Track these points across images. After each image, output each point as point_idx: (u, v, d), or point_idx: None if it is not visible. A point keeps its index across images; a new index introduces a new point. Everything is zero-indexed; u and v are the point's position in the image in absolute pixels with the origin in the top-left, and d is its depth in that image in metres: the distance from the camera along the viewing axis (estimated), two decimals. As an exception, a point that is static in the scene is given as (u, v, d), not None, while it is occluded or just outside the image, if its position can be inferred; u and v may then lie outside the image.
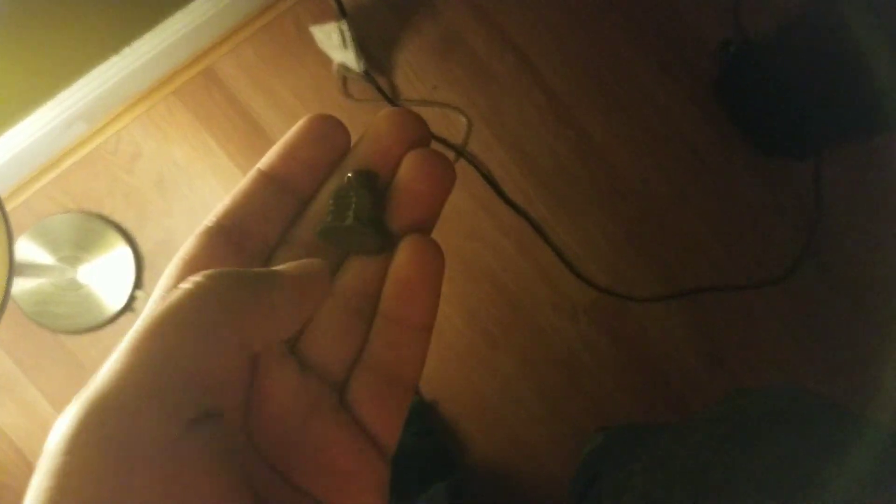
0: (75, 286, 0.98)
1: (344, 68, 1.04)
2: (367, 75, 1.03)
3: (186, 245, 0.19)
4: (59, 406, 0.99)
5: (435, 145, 1.06)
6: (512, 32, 1.15)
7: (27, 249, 0.96)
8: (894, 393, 1.07)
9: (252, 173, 0.21)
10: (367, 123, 0.22)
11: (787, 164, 1.20)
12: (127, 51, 0.92)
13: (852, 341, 1.15)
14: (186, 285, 0.16)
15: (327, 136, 0.21)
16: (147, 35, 0.92)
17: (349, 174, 0.21)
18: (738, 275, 1.16)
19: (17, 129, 0.89)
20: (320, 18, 1.08)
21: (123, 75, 0.93)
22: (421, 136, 0.21)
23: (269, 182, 0.21)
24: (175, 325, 0.15)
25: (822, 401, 0.45)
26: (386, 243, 0.21)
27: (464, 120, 1.11)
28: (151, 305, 0.18)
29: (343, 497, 0.18)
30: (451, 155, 1.10)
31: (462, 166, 1.10)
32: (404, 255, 0.20)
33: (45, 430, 0.98)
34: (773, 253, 1.17)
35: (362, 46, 1.01)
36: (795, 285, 1.16)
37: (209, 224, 0.20)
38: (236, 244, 0.20)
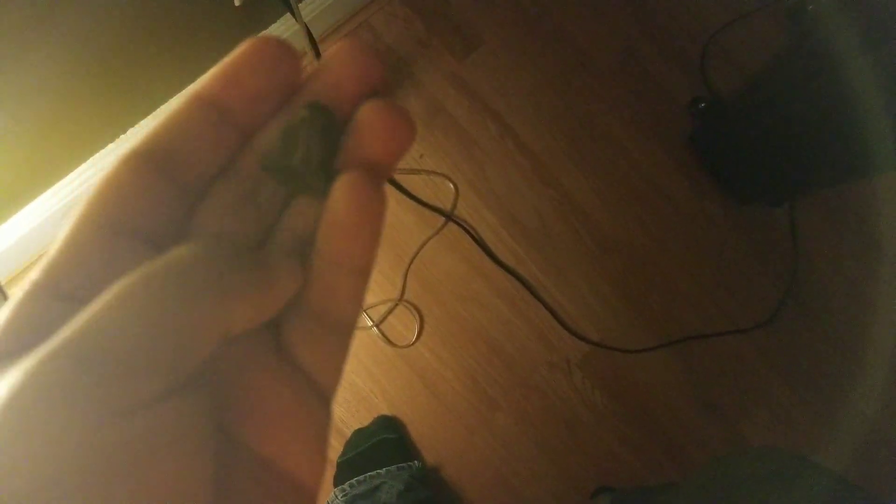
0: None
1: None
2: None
3: (109, 169, 0.17)
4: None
5: (424, 212, 1.10)
6: (490, 100, 1.21)
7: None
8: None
9: (187, 97, 0.18)
10: (323, 60, 0.20)
11: (764, 212, 1.25)
12: (123, 137, 0.95)
13: (837, 380, 1.19)
14: (180, 251, 0.15)
15: (276, 63, 0.19)
16: (143, 121, 0.96)
17: (303, 108, 0.19)
18: (723, 321, 1.19)
19: (15, 219, 0.92)
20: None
21: (121, 162, 0.95)
22: (378, 75, 0.20)
23: (207, 108, 0.18)
24: (161, 290, 0.14)
25: (798, 461, 0.48)
26: (317, 178, 0.19)
27: (451, 186, 1.15)
28: (65, 234, 0.16)
29: (279, 443, 0.17)
30: (440, 221, 1.13)
31: (453, 231, 1.14)
32: (341, 192, 0.18)
33: None
34: (756, 297, 1.21)
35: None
36: (779, 328, 1.19)
37: (135, 147, 0.17)
38: (167, 174, 0.18)
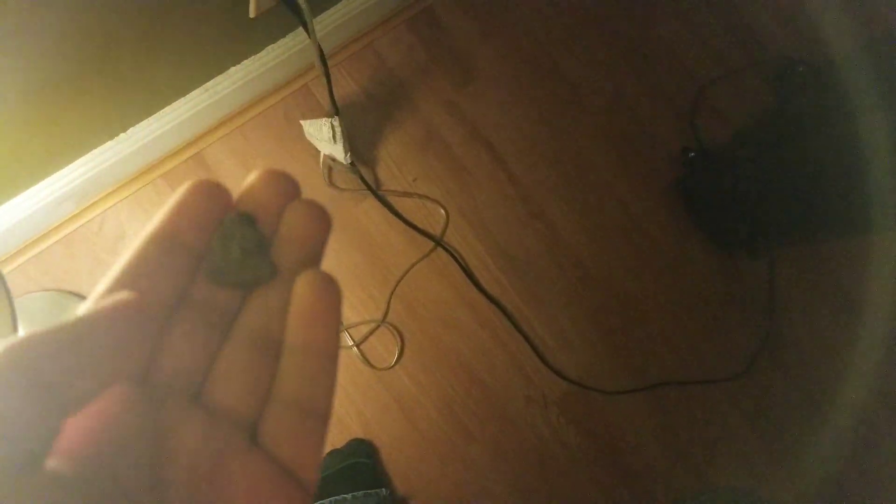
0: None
1: (331, 160, 1.08)
2: (352, 167, 1.07)
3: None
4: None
5: (414, 235, 1.11)
6: (485, 130, 1.22)
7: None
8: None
9: (142, 237, 0.21)
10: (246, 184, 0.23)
11: (745, 262, 1.28)
12: (123, 136, 0.94)
13: (807, 433, 1.20)
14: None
15: (212, 194, 0.22)
16: (144, 121, 0.95)
17: (228, 216, 0.22)
18: (700, 367, 1.21)
19: (6, 206, 0.90)
20: (307, 111, 1.13)
21: (117, 159, 0.95)
22: (295, 191, 0.23)
23: (159, 241, 0.21)
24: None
25: (755, 498, 0.48)
26: (275, 270, 0.22)
27: (442, 212, 1.16)
28: None
29: None
30: (429, 245, 1.13)
31: (441, 256, 1.14)
32: (304, 287, 0.21)
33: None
34: (733, 347, 1.23)
35: (349, 140, 1.06)
36: (754, 380, 1.21)
37: (102, 289, 0.19)
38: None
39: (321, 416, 0.21)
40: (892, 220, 1.02)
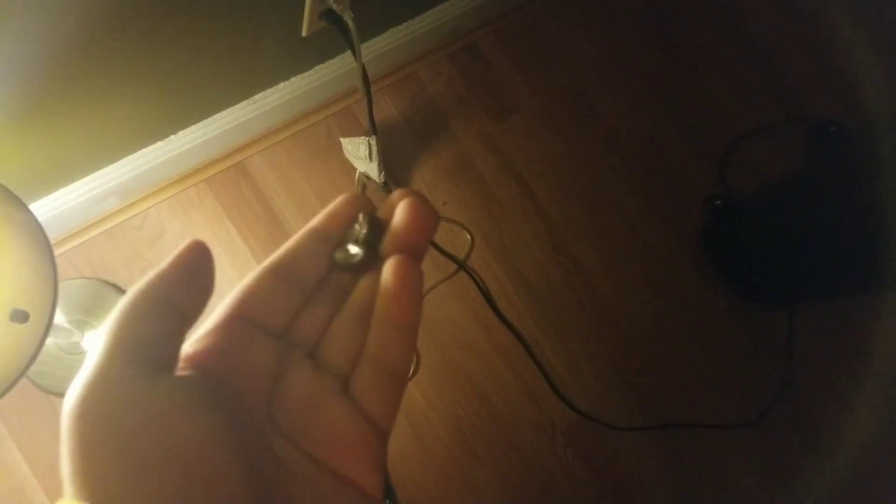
0: (78, 350, 1.01)
1: (365, 177, 1.13)
2: (385, 186, 1.12)
3: (246, 280, 0.25)
4: (36, 470, 0.98)
5: (437, 256, 1.14)
6: (517, 162, 1.26)
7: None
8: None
9: (302, 230, 0.27)
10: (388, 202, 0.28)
11: (765, 313, 1.28)
12: (172, 138, 1.00)
13: (816, 490, 1.19)
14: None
15: (359, 204, 0.28)
16: (193, 126, 1.01)
17: (359, 217, 0.27)
18: (711, 413, 1.21)
19: (56, 195, 0.96)
20: (348, 131, 1.18)
21: (164, 160, 1.00)
22: (434, 226, 0.27)
23: (312, 234, 0.27)
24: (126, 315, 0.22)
25: None
26: (370, 261, 0.26)
27: (468, 236, 1.20)
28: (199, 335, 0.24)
29: (345, 463, 0.23)
30: (453, 268, 1.17)
31: (462, 279, 1.17)
32: (388, 270, 0.24)
33: (18, 493, 0.98)
34: (747, 395, 1.23)
35: (384, 160, 1.11)
36: (765, 431, 1.20)
37: (266, 264, 0.26)
38: (285, 280, 0.26)
39: (400, 377, 0.25)
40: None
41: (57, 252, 1.05)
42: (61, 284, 1.03)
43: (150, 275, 0.23)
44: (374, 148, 1.02)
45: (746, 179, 1.34)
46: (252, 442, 0.22)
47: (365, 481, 0.23)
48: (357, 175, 1.14)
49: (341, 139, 1.08)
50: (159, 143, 0.99)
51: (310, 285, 0.26)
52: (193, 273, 0.24)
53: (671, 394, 1.20)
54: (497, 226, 1.22)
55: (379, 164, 1.06)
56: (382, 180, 1.09)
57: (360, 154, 1.06)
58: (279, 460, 0.22)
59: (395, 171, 1.21)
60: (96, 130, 0.86)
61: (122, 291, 1.05)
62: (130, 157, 0.99)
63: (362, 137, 1.04)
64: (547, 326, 1.19)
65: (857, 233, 1.11)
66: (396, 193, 0.27)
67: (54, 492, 0.99)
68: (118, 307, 0.22)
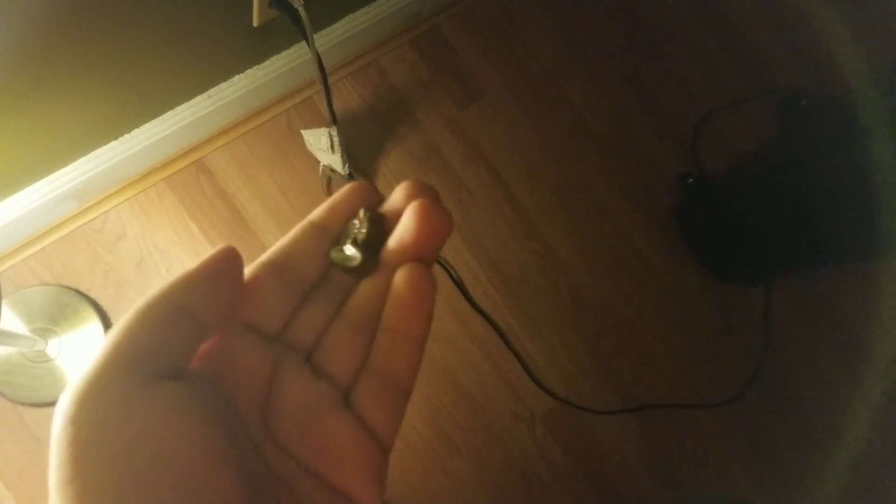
0: (43, 358, 0.98)
1: (329, 170, 1.10)
2: (350, 178, 1.10)
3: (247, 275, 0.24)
4: (7, 480, 0.96)
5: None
6: (485, 149, 1.24)
7: (2, 317, 0.97)
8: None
9: (302, 223, 0.25)
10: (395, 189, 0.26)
11: (740, 290, 1.28)
12: (126, 137, 0.97)
13: (796, 465, 1.19)
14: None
15: (363, 196, 0.26)
16: (148, 124, 0.98)
17: (358, 214, 0.25)
18: (690, 393, 1.20)
19: (8, 201, 0.93)
20: (311, 123, 1.16)
21: (119, 160, 0.97)
22: (448, 232, 0.25)
23: (312, 228, 0.25)
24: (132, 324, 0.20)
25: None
26: (378, 265, 0.24)
27: (438, 226, 1.18)
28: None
29: (344, 477, 0.22)
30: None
31: (434, 270, 1.15)
32: (401, 278, 0.23)
33: (-16, 507, 0.96)
34: (724, 374, 1.22)
35: (348, 151, 1.08)
36: (743, 408, 1.20)
37: (262, 259, 0.24)
38: (281, 279, 0.24)
39: (404, 391, 0.24)
40: (886, 249, 1.02)
41: (16, 259, 1.02)
42: (21, 293, 1.00)
43: (171, 279, 0.21)
44: (336, 139, 1.00)
45: (718, 156, 1.33)
46: (246, 451, 0.21)
47: (364, 496, 0.22)
48: (321, 167, 1.12)
49: (302, 131, 1.06)
50: (113, 143, 0.96)
51: (308, 284, 0.25)
52: (218, 281, 0.22)
53: (649, 376, 1.20)
54: (468, 214, 1.21)
55: (342, 156, 1.04)
56: (347, 172, 1.07)
57: (322, 146, 1.04)
58: (273, 470, 0.21)
59: (360, 162, 1.18)
60: (45, 132, 0.84)
61: (84, 297, 1.02)
62: (84, 159, 0.96)
63: (323, 129, 1.01)
64: (522, 314, 1.18)
65: (828, 204, 1.10)
66: (402, 187, 0.26)
67: (26, 498, 0.97)
68: (129, 311, 0.21)
